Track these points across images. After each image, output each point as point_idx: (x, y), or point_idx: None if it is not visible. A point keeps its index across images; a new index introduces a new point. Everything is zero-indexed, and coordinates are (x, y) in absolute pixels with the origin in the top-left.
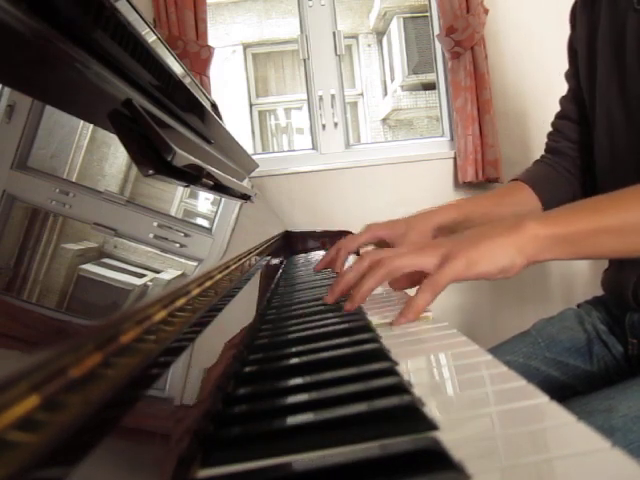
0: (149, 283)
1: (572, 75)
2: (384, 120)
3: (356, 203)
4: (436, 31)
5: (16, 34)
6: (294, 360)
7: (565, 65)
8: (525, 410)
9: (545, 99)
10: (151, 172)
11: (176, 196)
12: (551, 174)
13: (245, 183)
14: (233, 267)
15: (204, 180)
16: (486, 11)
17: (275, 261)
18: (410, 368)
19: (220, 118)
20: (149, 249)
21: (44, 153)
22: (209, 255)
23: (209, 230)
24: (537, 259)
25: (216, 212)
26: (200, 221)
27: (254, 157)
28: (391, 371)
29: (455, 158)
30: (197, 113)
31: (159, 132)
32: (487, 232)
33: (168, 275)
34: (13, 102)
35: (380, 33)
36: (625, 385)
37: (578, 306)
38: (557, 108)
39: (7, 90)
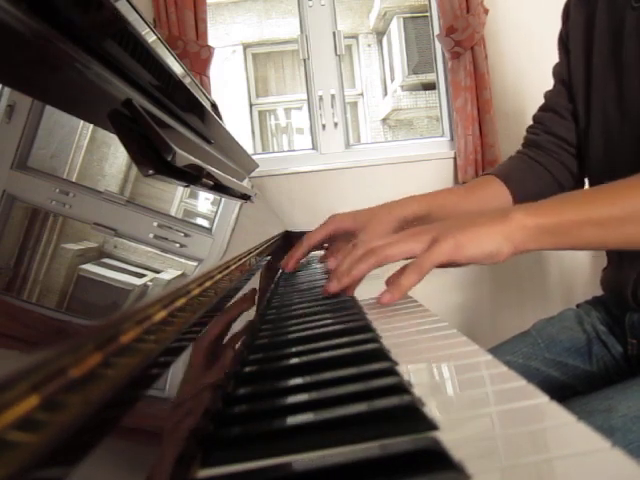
0: (149, 283)
1: (561, 70)
2: (384, 120)
3: (356, 203)
4: (436, 31)
5: (16, 34)
6: (294, 360)
7: None
8: (525, 410)
9: None
10: (151, 172)
11: (176, 196)
12: (524, 168)
13: (245, 183)
14: (233, 267)
15: (204, 180)
16: (486, 11)
17: (275, 261)
18: (410, 368)
19: (220, 118)
20: (149, 249)
21: (44, 153)
22: (209, 255)
23: (209, 230)
24: (524, 248)
25: (216, 212)
26: (200, 221)
27: (254, 157)
28: (391, 371)
29: (455, 158)
30: (197, 113)
31: (159, 132)
32: (475, 219)
33: (168, 275)
34: (13, 102)
35: (380, 33)
36: (625, 385)
37: (577, 306)
38: None
39: (7, 90)
